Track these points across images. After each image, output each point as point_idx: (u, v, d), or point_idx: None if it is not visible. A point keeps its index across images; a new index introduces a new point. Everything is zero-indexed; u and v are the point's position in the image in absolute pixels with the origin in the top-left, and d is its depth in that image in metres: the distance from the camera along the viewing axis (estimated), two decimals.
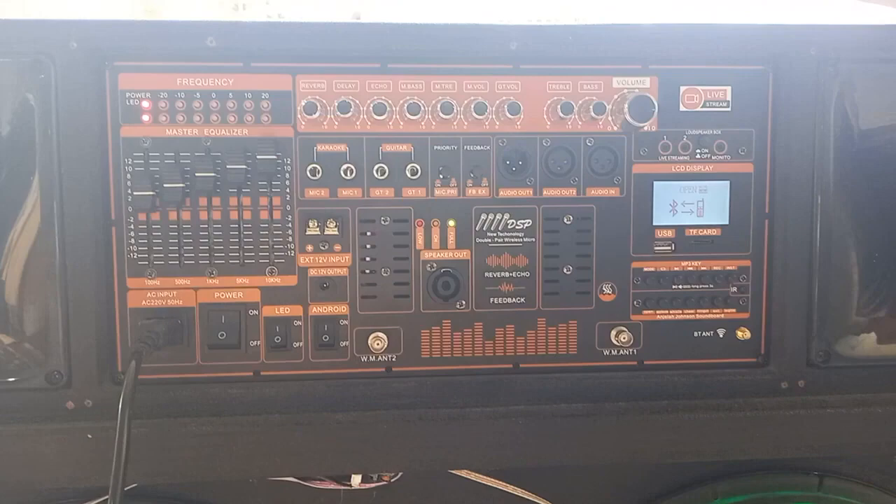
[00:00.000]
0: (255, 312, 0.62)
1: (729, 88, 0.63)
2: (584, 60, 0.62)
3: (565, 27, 0.62)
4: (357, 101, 0.61)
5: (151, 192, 0.60)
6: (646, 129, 0.62)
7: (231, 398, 0.62)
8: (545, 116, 0.62)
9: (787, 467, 0.69)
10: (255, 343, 0.63)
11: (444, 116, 0.61)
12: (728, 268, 0.65)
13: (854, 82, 0.62)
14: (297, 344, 0.63)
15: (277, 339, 0.63)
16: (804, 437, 0.63)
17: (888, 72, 0.62)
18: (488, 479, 0.68)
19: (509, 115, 0.61)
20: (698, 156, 0.63)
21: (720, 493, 0.68)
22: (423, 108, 0.61)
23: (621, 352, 0.65)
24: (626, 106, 0.60)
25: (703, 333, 0.65)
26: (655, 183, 0.63)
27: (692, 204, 0.64)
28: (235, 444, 0.61)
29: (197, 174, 0.60)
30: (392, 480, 0.65)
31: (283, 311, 0.63)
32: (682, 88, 0.63)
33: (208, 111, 0.61)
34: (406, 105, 0.61)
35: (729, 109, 0.63)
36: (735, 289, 0.65)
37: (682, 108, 0.63)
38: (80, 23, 0.59)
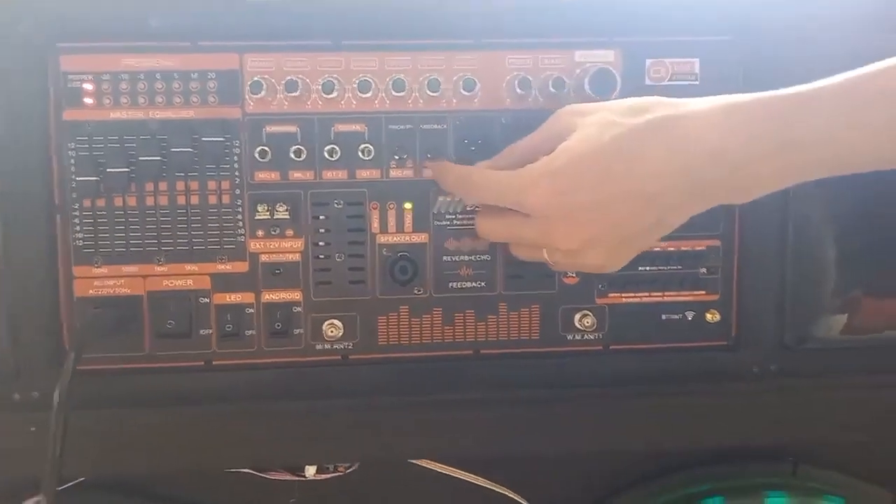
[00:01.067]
0: (206, 300, 0.60)
1: (697, 61, 0.61)
2: (545, 34, 0.60)
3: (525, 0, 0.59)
4: (307, 80, 0.59)
5: (95, 178, 0.58)
6: None
7: (182, 388, 0.60)
8: (504, 93, 0.60)
9: (760, 454, 0.67)
10: (205, 331, 0.61)
11: (397, 94, 0.59)
12: (697, 248, 0.62)
13: (829, 53, 0.59)
14: (250, 332, 0.61)
15: (229, 328, 0.61)
16: (776, 424, 0.61)
17: (863, 42, 0.59)
18: (449, 468, 0.66)
19: (465, 92, 0.59)
20: None
21: (691, 481, 0.66)
22: (375, 85, 0.59)
23: (585, 336, 0.62)
24: (585, 80, 0.58)
25: (671, 316, 0.63)
26: None
27: None
28: (187, 435, 0.60)
29: (141, 158, 0.58)
30: (347, 471, 0.64)
31: (234, 298, 0.61)
32: (648, 61, 0.60)
33: (153, 93, 0.58)
34: (357, 83, 0.59)
35: (697, 82, 0.61)
36: (704, 270, 0.62)
37: (647, 82, 0.60)
38: (19, 3, 0.57)
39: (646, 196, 0.48)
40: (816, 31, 0.59)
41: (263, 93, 0.58)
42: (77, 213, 0.59)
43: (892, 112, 0.44)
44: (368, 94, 0.59)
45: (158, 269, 0.60)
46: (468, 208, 0.61)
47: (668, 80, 0.60)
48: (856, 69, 0.45)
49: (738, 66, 0.60)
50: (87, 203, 0.59)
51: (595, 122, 0.49)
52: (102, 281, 0.60)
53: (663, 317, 0.63)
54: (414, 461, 0.65)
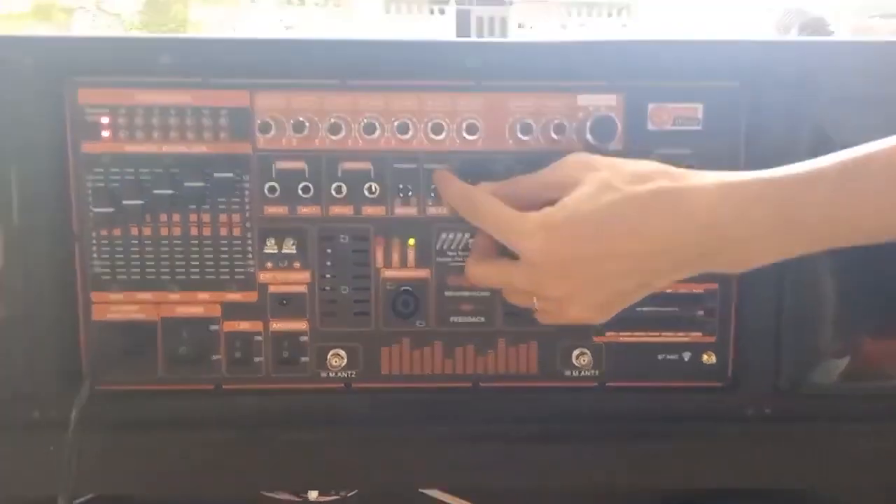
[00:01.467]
0: (216, 327, 0.63)
1: (700, 106, 0.61)
2: (548, 77, 0.60)
3: (528, 43, 0.60)
4: (315, 118, 0.60)
5: (111, 209, 0.61)
6: (611, 148, 0.60)
7: (192, 411, 0.63)
8: (507, 135, 0.61)
9: (750, 493, 0.68)
10: (216, 357, 0.63)
11: (402, 137, 0.60)
12: (695, 290, 0.63)
13: (831, 101, 0.59)
14: (258, 359, 0.63)
15: (238, 354, 0.63)
16: (768, 468, 0.62)
17: (866, 90, 0.59)
18: (447, 495, 0.68)
19: (468, 137, 0.60)
20: None
21: None
22: (380, 126, 0.60)
23: (583, 373, 0.64)
24: (587, 126, 0.58)
25: (668, 356, 0.64)
26: None
27: None
28: (195, 457, 0.63)
29: (155, 191, 0.60)
30: (348, 495, 0.66)
31: (243, 326, 0.63)
32: (651, 106, 0.61)
33: (167, 127, 0.60)
34: (363, 124, 0.60)
35: (700, 128, 0.61)
36: (701, 311, 0.63)
37: (650, 127, 0.61)
38: (36, 39, 0.59)
39: (634, 259, 0.50)
40: (823, 80, 0.59)
41: (272, 132, 0.60)
42: (95, 242, 0.62)
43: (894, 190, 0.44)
44: (374, 136, 0.60)
45: (172, 296, 0.62)
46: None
47: (671, 126, 0.61)
48: (855, 147, 0.46)
49: (742, 113, 0.60)
50: (104, 232, 0.61)
51: (597, 181, 0.51)
52: (119, 306, 0.62)
53: (660, 357, 0.64)
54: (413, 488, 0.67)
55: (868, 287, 0.61)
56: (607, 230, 0.50)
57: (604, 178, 0.51)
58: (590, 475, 0.63)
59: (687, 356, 0.64)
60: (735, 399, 0.63)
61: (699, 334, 0.63)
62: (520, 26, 1.00)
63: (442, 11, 1.05)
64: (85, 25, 1.12)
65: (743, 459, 0.62)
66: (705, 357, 0.63)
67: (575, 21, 1.09)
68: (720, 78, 0.60)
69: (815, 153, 0.59)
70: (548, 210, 0.52)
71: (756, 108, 0.60)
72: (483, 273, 0.58)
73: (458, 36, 0.86)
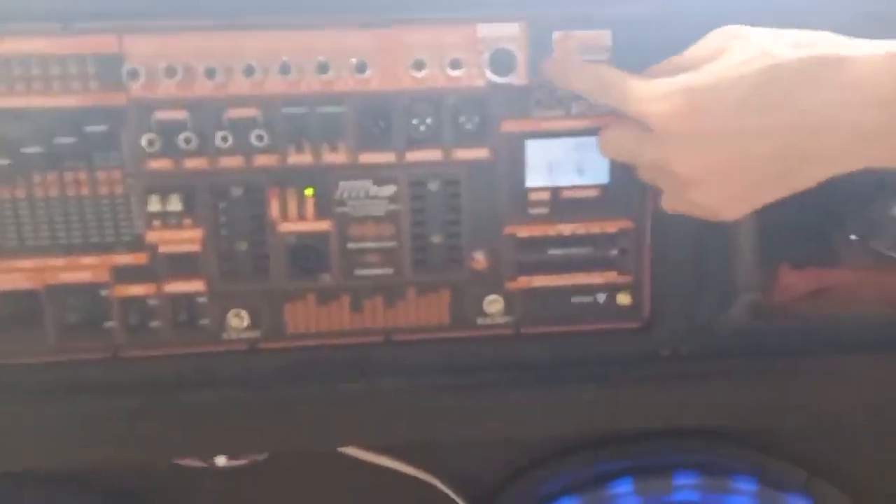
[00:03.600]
0: (107, 293, 0.59)
1: (609, 33, 0.57)
2: (445, 7, 0.56)
3: None
4: (193, 63, 0.55)
5: None
6: (513, 82, 0.57)
7: (91, 381, 0.60)
8: (403, 72, 0.57)
9: (673, 432, 0.67)
10: (109, 324, 0.60)
11: (286, 78, 0.55)
12: (608, 230, 0.60)
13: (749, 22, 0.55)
14: (154, 323, 0.60)
15: (132, 320, 0.60)
16: (685, 407, 0.61)
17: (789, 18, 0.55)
18: (360, 451, 0.67)
19: (359, 74, 0.56)
20: (574, 111, 0.58)
21: (602, 458, 0.67)
22: (260, 68, 0.55)
23: (496, 320, 0.61)
24: (484, 60, 0.55)
25: (583, 299, 0.61)
26: (528, 141, 0.58)
27: (569, 163, 0.59)
28: (96, 426, 0.60)
29: (23, 150, 0.56)
30: (259, 459, 0.64)
31: (135, 290, 0.59)
32: (556, 34, 0.57)
33: (30, 79, 0.55)
34: (243, 68, 0.55)
35: (608, 57, 0.57)
36: (616, 252, 0.61)
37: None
38: None
39: (784, 137, 0.43)
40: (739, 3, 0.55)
41: (144, 78, 0.55)
42: None
43: None
44: (254, 78, 0.55)
45: (55, 262, 0.58)
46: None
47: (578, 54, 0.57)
48: None
49: (653, 40, 0.56)
50: None
51: (749, 47, 0.45)
52: None
53: (574, 300, 0.61)
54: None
55: (783, 223, 0.59)
56: (755, 100, 0.43)
57: (757, 44, 0.44)
58: (507, 423, 0.62)
59: (602, 298, 0.62)
60: (652, 340, 0.61)
61: (614, 274, 0.61)
62: None
63: None
64: None
65: (660, 400, 0.61)
66: (620, 298, 0.61)
67: None
68: (629, 2, 0.56)
69: None
70: (686, 75, 0.46)
71: (670, 34, 0.56)
72: (613, 138, 0.52)
73: None
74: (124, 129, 0.56)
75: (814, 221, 0.61)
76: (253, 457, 0.64)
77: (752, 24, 0.48)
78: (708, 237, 0.59)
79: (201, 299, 0.60)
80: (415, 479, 0.69)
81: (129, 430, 0.60)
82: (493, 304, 0.61)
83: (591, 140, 0.58)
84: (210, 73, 0.55)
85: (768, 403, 0.61)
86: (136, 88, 0.56)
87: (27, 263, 0.58)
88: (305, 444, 0.60)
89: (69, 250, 0.58)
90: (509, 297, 0.61)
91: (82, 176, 0.57)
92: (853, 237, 0.62)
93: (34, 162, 0.56)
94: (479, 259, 0.60)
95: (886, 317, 0.63)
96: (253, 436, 0.61)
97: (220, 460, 0.62)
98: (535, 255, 0.60)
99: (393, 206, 0.59)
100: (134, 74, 0.54)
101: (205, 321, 0.60)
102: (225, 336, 0.61)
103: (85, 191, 0.57)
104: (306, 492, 0.72)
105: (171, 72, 0.55)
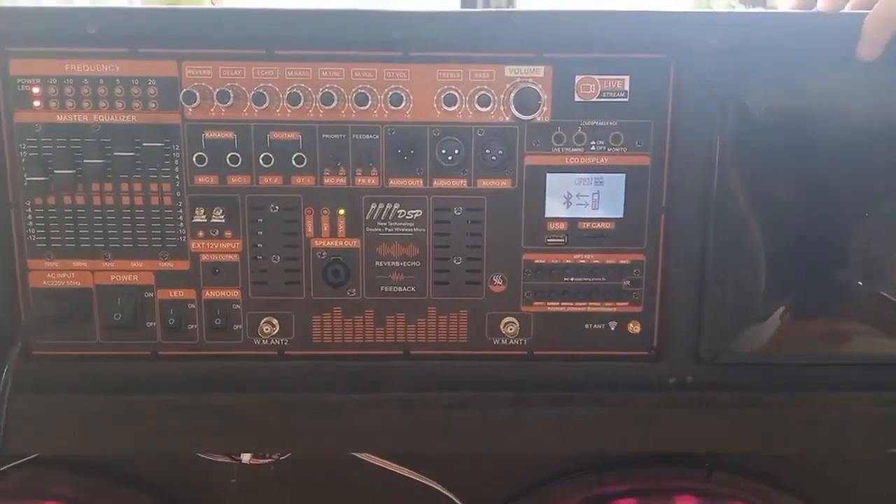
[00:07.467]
0: (150, 295, 0.64)
1: (627, 78, 0.61)
2: (475, 48, 0.60)
3: (455, 13, 0.60)
4: (242, 88, 0.61)
5: (44, 178, 0.61)
6: (537, 119, 0.61)
7: (129, 376, 0.65)
8: (434, 106, 0.61)
9: (676, 458, 0.69)
10: (151, 324, 0.64)
11: (327, 107, 0.60)
12: (621, 261, 0.64)
13: (755, 71, 0.59)
14: (192, 326, 0.65)
15: (172, 321, 0.64)
16: (688, 434, 0.63)
17: (789, 59, 0.59)
18: (377, 458, 0.70)
19: (393, 107, 0.60)
20: (593, 148, 0.62)
21: (607, 481, 0.69)
22: (305, 96, 0.60)
23: (511, 341, 0.65)
24: (511, 98, 0.59)
25: (595, 326, 0.65)
26: (548, 175, 0.62)
27: (586, 197, 0.62)
28: (132, 420, 0.64)
29: (86, 161, 0.61)
30: (281, 458, 0.68)
31: (176, 294, 0.64)
32: (578, 78, 0.61)
33: (97, 97, 0.61)
34: (288, 95, 0.60)
35: (626, 100, 0.61)
36: (628, 282, 0.64)
37: (577, 98, 0.61)
38: None
39: None
40: (748, 53, 0.59)
41: (198, 102, 0.60)
42: (30, 210, 0.62)
43: None
44: (299, 106, 0.60)
45: (106, 264, 0.63)
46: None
47: (597, 98, 0.61)
48: None
49: (668, 86, 0.60)
50: (38, 201, 0.62)
51: None
52: (55, 274, 0.64)
53: (587, 326, 0.65)
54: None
55: (790, 259, 0.62)
56: None
57: None
58: (517, 440, 0.65)
59: (613, 326, 0.65)
60: (659, 368, 0.64)
61: (625, 304, 0.64)
62: None
63: None
64: None
65: (665, 426, 0.63)
66: (631, 326, 0.64)
67: None
68: (647, 50, 0.60)
69: (740, 126, 0.60)
70: None
71: (682, 81, 0.60)
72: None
73: (462, 6, 0.85)
74: (177, 146, 0.62)
75: (821, 265, 0.63)
76: (275, 455, 0.68)
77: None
78: (716, 273, 0.62)
79: (236, 306, 0.64)
80: (424, 487, 0.72)
81: (162, 424, 0.64)
82: (509, 325, 0.64)
83: (608, 176, 0.62)
84: (258, 100, 0.60)
85: (770, 434, 0.63)
86: (191, 110, 0.61)
87: (82, 264, 0.63)
88: (324, 447, 0.64)
89: (120, 254, 0.63)
90: (524, 321, 0.65)
91: (136, 187, 0.62)
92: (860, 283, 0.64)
93: (94, 172, 0.61)
94: (498, 283, 0.64)
95: (891, 356, 0.64)
96: (277, 436, 0.65)
97: (245, 457, 0.66)
98: (550, 282, 0.64)
99: (419, 229, 0.63)
100: (190, 97, 0.60)
101: (238, 326, 0.65)
102: (256, 342, 0.65)
103: (138, 200, 0.62)
104: (323, 491, 0.75)
105: (223, 96, 0.60)
